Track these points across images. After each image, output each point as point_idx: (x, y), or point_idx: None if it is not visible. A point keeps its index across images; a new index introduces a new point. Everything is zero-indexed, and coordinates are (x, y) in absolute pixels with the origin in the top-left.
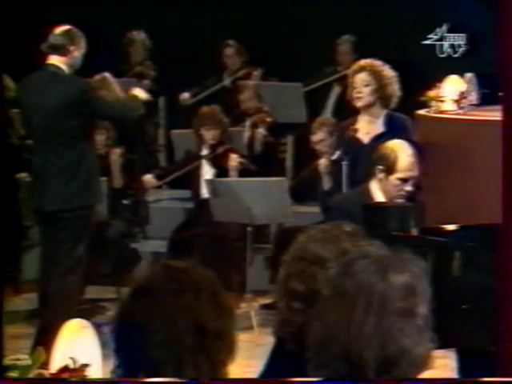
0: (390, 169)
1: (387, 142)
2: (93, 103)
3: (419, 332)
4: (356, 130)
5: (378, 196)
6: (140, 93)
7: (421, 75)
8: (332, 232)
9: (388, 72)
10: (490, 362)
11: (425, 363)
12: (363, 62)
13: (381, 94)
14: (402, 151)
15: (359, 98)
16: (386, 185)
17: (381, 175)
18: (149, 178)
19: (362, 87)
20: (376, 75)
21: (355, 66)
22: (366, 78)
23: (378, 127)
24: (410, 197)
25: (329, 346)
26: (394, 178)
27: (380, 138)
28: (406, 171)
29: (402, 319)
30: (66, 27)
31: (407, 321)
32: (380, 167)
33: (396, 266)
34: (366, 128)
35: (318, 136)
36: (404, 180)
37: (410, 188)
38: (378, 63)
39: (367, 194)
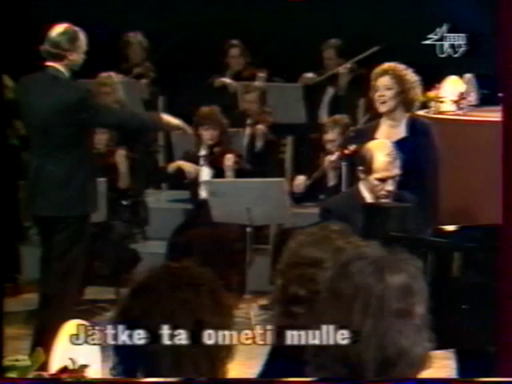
0: (367, 169)
1: (367, 143)
2: (94, 110)
3: (417, 332)
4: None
5: (367, 196)
6: (170, 119)
7: (421, 75)
8: (320, 233)
9: (411, 76)
10: (489, 362)
11: (423, 363)
12: (386, 65)
13: (403, 98)
14: (378, 151)
15: (382, 102)
16: (369, 185)
17: (362, 176)
18: (187, 164)
19: (384, 91)
20: (398, 79)
21: (378, 70)
22: (388, 82)
23: (400, 132)
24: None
25: (327, 348)
26: (372, 178)
27: (402, 143)
28: (382, 171)
29: (400, 320)
30: (62, 27)
31: (405, 321)
32: (360, 168)
33: (392, 266)
34: (388, 133)
35: (330, 136)
36: (382, 180)
37: (390, 187)
38: (400, 67)
39: (357, 194)
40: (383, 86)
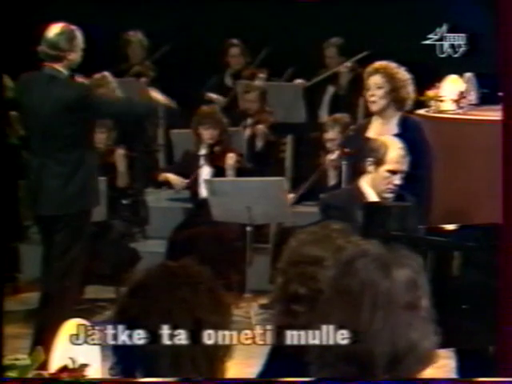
0: (379, 161)
1: (378, 137)
2: (95, 105)
3: (425, 325)
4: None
5: (369, 192)
6: (157, 95)
7: (421, 75)
8: (321, 232)
9: (402, 74)
10: (489, 361)
11: (430, 358)
12: (377, 64)
13: (394, 97)
14: (392, 144)
15: (373, 101)
16: (376, 178)
17: (370, 168)
18: (174, 176)
19: (375, 89)
20: (389, 77)
21: (369, 69)
22: (379, 81)
23: (392, 129)
24: (400, 195)
25: (334, 347)
26: (383, 169)
27: None
28: (395, 163)
29: (409, 313)
30: (59, 27)
31: (413, 314)
32: (370, 159)
33: (396, 261)
34: (380, 129)
35: (330, 134)
36: (393, 172)
37: (398, 181)
38: (391, 65)
39: (358, 190)
40: (374, 85)
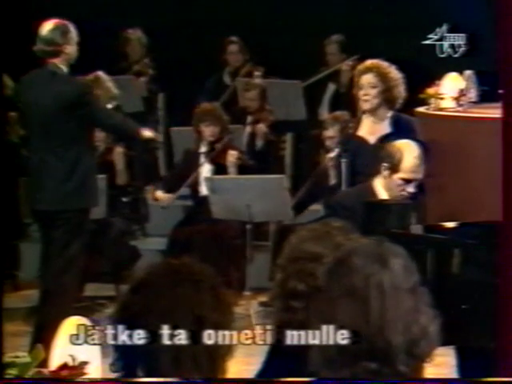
0: (394, 167)
1: (395, 141)
2: (90, 108)
3: (428, 308)
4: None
5: (382, 193)
6: (147, 133)
7: (421, 75)
8: (321, 229)
9: (395, 74)
10: (488, 359)
11: (438, 340)
12: (370, 62)
13: (387, 97)
14: (408, 152)
15: (366, 100)
16: (390, 183)
17: (385, 173)
18: (162, 194)
19: (368, 89)
20: (382, 77)
21: (361, 67)
22: (372, 80)
23: (384, 128)
24: (411, 196)
25: (350, 347)
26: (397, 177)
27: (386, 139)
28: (410, 172)
29: (413, 298)
30: (52, 23)
31: (417, 299)
32: (385, 165)
33: (389, 251)
34: (372, 128)
35: (330, 132)
36: (407, 181)
37: (412, 189)
38: (384, 64)
39: (370, 191)
40: (367, 84)
